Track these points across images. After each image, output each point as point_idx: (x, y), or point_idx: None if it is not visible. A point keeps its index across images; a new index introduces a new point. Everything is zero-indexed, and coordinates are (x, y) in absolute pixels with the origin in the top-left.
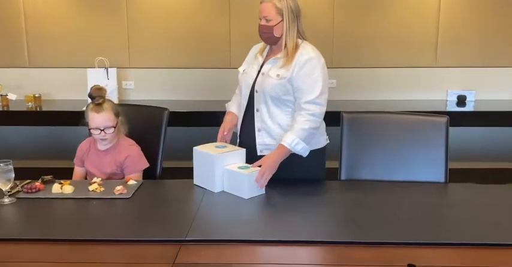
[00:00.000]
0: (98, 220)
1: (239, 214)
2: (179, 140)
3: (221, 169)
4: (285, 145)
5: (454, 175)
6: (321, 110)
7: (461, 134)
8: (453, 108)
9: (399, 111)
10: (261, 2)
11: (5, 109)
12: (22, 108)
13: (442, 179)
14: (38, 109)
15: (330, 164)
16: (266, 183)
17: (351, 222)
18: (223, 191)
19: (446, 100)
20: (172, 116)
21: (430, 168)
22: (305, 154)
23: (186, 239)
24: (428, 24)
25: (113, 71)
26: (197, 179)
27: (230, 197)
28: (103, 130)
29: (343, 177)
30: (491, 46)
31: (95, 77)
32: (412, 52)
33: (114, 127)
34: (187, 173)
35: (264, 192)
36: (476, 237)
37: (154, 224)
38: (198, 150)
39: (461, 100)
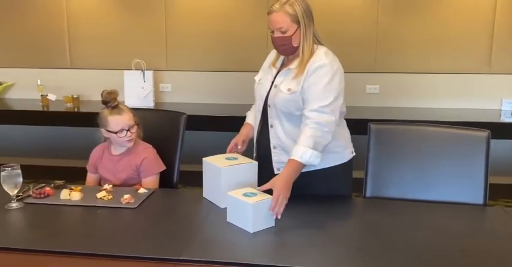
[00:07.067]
0: (100, 231)
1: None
2: (213, 145)
3: (228, 184)
4: (295, 158)
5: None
6: (328, 119)
7: None
8: (508, 118)
9: (433, 123)
10: (268, 13)
11: (45, 110)
12: (61, 108)
13: (481, 201)
14: (76, 110)
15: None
16: (282, 209)
17: (361, 252)
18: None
19: (501, 110)
20: (206, 120)
21: (466, 188)
22: (316, 162)
23: (180, 258)
24: (481, 26)
25: (149, 73)
26: (206, 192)
27: (233, 227)
28: (128, 130)
29: (368, 194)
30: None
31: (132, 79)
32: (463, 56)
33: (137, 125)
34: None
35: (273, 224)
36: None
37: (152, 239)
38: (207, 161)
39: None
